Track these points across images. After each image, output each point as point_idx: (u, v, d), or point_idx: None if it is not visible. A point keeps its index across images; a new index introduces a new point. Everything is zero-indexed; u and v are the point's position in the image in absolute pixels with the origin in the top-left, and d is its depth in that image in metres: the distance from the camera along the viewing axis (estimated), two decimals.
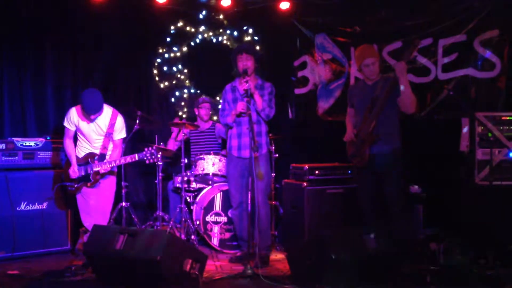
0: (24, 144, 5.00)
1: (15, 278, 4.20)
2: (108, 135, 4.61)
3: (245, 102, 4.44)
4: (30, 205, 4.94)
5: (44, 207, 5.01)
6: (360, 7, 5.89)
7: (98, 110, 4.46)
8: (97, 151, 4.60)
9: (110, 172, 4.65)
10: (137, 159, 4.53)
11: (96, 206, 4.62)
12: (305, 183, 5.00)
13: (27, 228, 4.87)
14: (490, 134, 4.61)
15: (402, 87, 4.31)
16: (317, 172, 5.06)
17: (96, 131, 4.60)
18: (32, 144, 5.05)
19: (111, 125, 4.60)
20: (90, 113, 4.44)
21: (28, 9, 5.74)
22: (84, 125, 4.58)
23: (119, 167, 5.05)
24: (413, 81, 5.43)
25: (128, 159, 4.54)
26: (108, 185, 4.68)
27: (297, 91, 6.52)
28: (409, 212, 4.84)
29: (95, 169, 4.50)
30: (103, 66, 6.28)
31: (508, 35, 4.95)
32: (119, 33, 6.32)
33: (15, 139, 4.99)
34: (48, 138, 5.18)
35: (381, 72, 4.61)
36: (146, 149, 4.53)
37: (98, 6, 5.93)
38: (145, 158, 4.51)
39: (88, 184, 4.56)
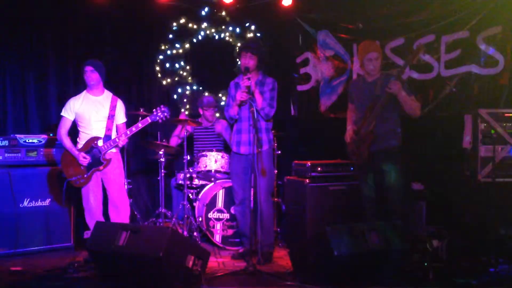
0: (27, 141, 5.01)
1: (18, 274, 4.21)
2: (111, 117, 4.66)
3: (243, 91, 4.49)
4: (33, 202, 4.95)
5: (47, 204, 5.02)
6: (363, 3, 5.87)
7: (100, 66, 4.65)
8: (100, 135, 4.61)
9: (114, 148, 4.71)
10: (149, 121, 4.63)
11: (117, 183, 4.69)
12: (307, 180, 4.99)
13: (30, 224, 4.88)
14: (493, 131, 4.60)
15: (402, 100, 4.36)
16: (319, 169, 5.05)
17: (98, 113, 4.63)
18: (35, 140, 5.05)
19: (112, 107, 4.68)
20: (90, 65, 4.61)
21: (30, 7, 5.73)
22: (85, 108, 4.62)
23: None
24: (415, 77, 5.43)
25: (140, 124, 4.61)
26: (117, 159, 4.74)
27: (300, 87, 6.51)
28: (409, 209, 4.83)
29: (119, 141, 4.55)
30: (105, 63, 6.27)
31: (511, 31, 4.92)
32: (121, 30, 6.31)
33: (18, 135, 5.00)
34: (51, 135, 5.18)
35: (382, 69, 4.60)
36: (155, 110, 4.65)
37: (100, 3, 5.92)
38: (157, 118, 4.64)
39: (101, 168, 4.59)
